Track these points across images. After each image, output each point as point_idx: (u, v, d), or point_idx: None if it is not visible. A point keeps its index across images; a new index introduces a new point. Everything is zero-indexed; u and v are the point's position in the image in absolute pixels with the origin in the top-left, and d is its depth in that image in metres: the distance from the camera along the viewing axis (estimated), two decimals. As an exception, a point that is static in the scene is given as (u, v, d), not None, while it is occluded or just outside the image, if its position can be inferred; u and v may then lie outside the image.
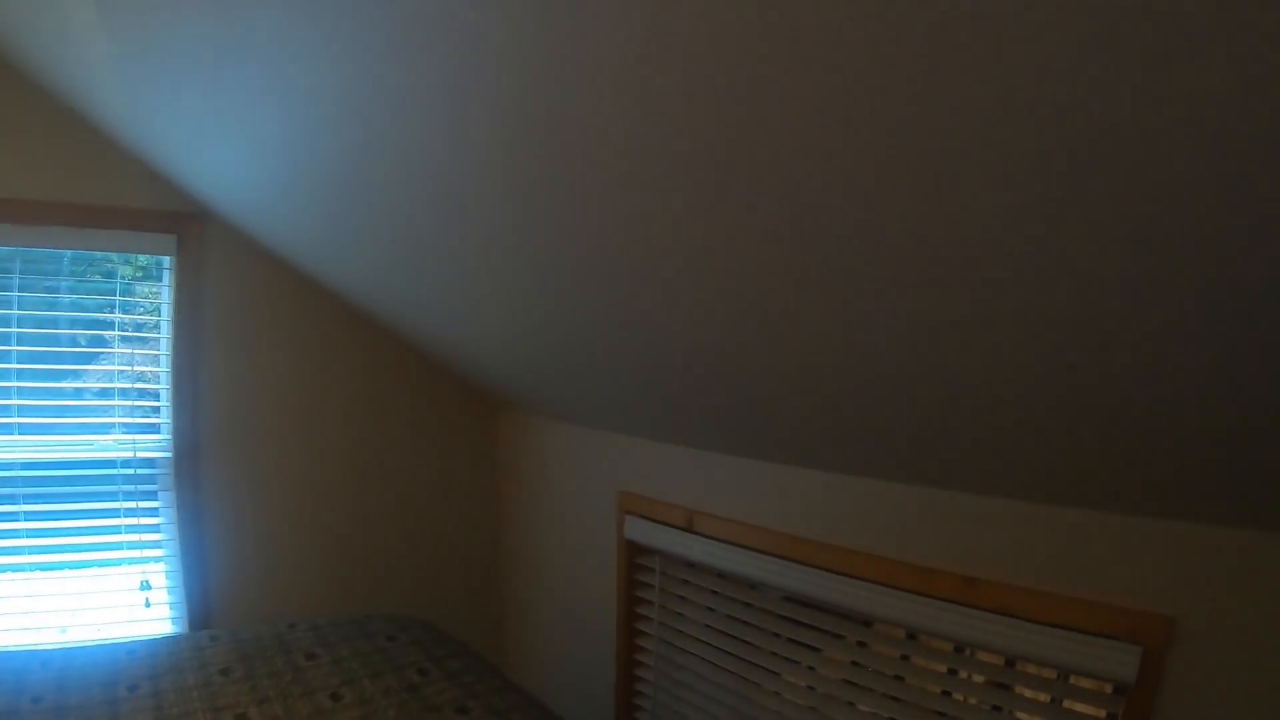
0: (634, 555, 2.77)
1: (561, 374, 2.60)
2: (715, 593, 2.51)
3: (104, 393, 3.33)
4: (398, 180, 1.85)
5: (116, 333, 3.28)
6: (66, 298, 3.27)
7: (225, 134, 2.23)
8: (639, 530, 2.70)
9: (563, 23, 1.06)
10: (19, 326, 3.12)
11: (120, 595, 3.32)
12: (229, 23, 1.58)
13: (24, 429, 3.19)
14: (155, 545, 3.35)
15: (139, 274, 3.31)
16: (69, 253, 3.14)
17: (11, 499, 3.16)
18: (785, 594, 2.28)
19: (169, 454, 3.30)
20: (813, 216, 1.20)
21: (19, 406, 3.17)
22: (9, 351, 3.11)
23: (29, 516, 3.20)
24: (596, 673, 2.98)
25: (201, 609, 3.36)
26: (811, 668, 2.25)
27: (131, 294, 3.30)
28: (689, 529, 2.49)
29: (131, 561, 3.34)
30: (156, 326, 3.29)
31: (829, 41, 0.89)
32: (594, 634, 3.00)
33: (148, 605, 3.33)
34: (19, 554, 3.21)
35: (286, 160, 2.15)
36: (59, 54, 2.42)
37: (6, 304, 3.10)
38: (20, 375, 3.15)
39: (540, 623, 3.48)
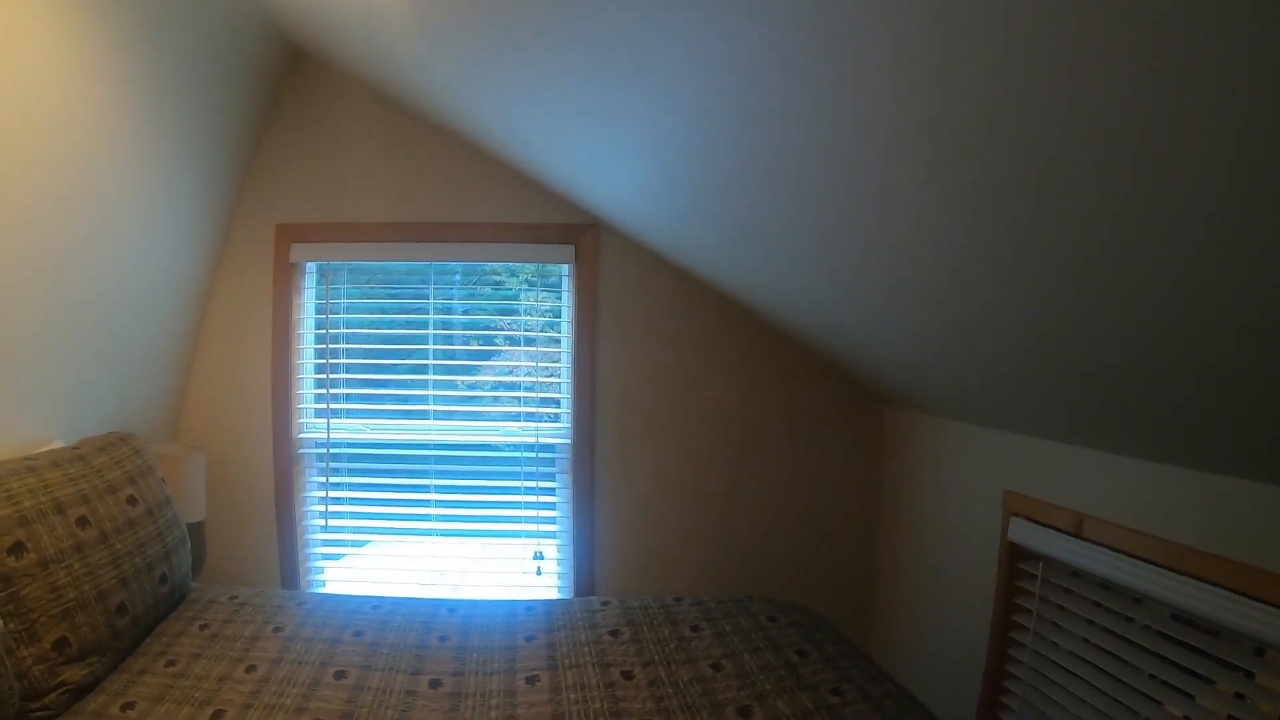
0: (1016, 559, 2.45)
1: (951, 372, 2.37)
2: (1099, 605, 2.13)
3: (511, 385, 3.58)
4: (794, 183, 1.79)
5: (522, 332, 3.54)
6: (470, 303, 3.61)
7: (621, 153, 2.33)
8: (1024, 533, 2.37)
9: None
10: (434, 329, 3.49)
11: (515, 562, 3.52)
12: (628, 54, 1.65)
13: (438, 415, 3.51)
14: (550, 521, 3.52)
15: (524, 284, 3.58)
16: (461, 265, 3.50)
17: (424, 474, 3.50)
18: (1174, 611, 1.86)
19: (568, 440, 3.48)
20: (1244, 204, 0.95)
21: (434, 396, 3.51)
22: (426, 350, 3.49)
23: (439, 490, 3.51)
24: (963, 676, 2.68)
25: (587, 580, 3.46)
26: (1191, 696, 1.82)
27: (525, 299, 3.57)
28: (1077, 534, 2.14)
29: (528, 534, 3.52)
30: (554, 327, 3.51)
31: None
32: (965, 637, 2.70)
33: (539, 573, 3.49)
34: (430, 520, 3.54)
35: (679, 172, 2.20)
36: (485, 112, 2.73)
37: (423, 310, 3.49)
38: (435, 370, 3.50)
39: (910, 619, 3.21)
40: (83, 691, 1.91)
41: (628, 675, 2.22)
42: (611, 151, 2.38)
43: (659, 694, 2.12)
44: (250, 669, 2.12)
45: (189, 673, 2.07)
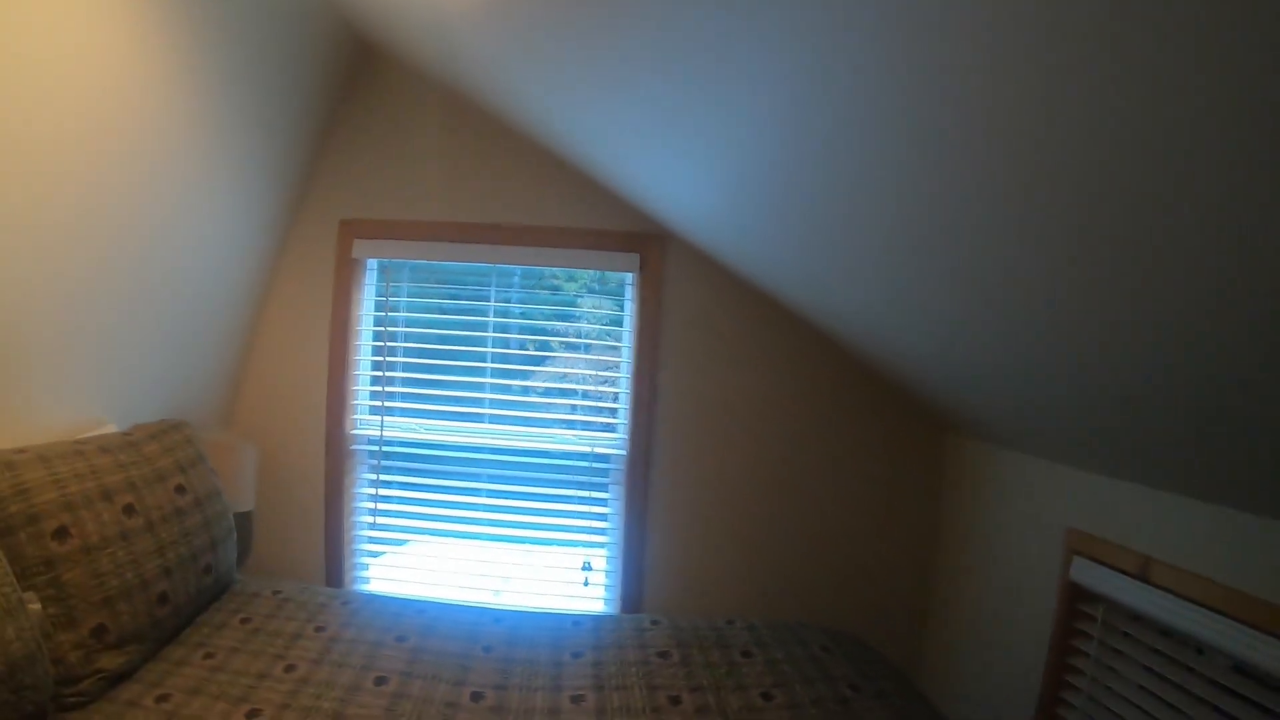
0: (1075, 599, 2.35)
1: (1017, 403, 2.29)
2: (1157, 651, 2.02)
3: (568, 392, 3.51)
4: (860, 204, 1.77)
5: (582, 340, 3.48)
6: (529, 306, 3.55)
7: (695, 164, 2.28)
8: (1086, 573, 2.28)
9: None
10: (493, 331, 3.44)
11: (563, 571, 3.46)
12: (703, 81, 1.64)
13: (492, 419, 3.45)
14: (600, 532, 3.45)
15: (584, 290, 3.52)
16: (520, 269, 3.45)
17: (476, 477, 3.45)
18: (1235, 663, 1.77)
19: (623, 452, 3.40)
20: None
21: (490, 400, 3.45)
22: (484, 353, 3.43)
23: (491, 494, 3.45)
24: (1014, 716, 2.58)
25: (634, 594, 3.38)
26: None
27: (585, 306, 3.51)
28: (1143, 578, 2.04)
29: (577, 544, 3.46)
30: (615, 335, 3.45)
31: None
32: (1018, 677, 2.60)
33: (586, 584, 3.43)
34: (479, 524, 3.49)
35: (744, 186, 2.18)
36: (554, 116, 2.71)
37: (483, 311, 3.43)
38: (494, 374, 3.45)
39: (962, 653, 3.11)
40: (118, 679, 1.86)
41: (675, 700, 2.13)
42: (685, 162, 2.32)
43: (706, 722, 2.03)
44: (290, 668, 2.06)
45: (227, 667, 2.02)
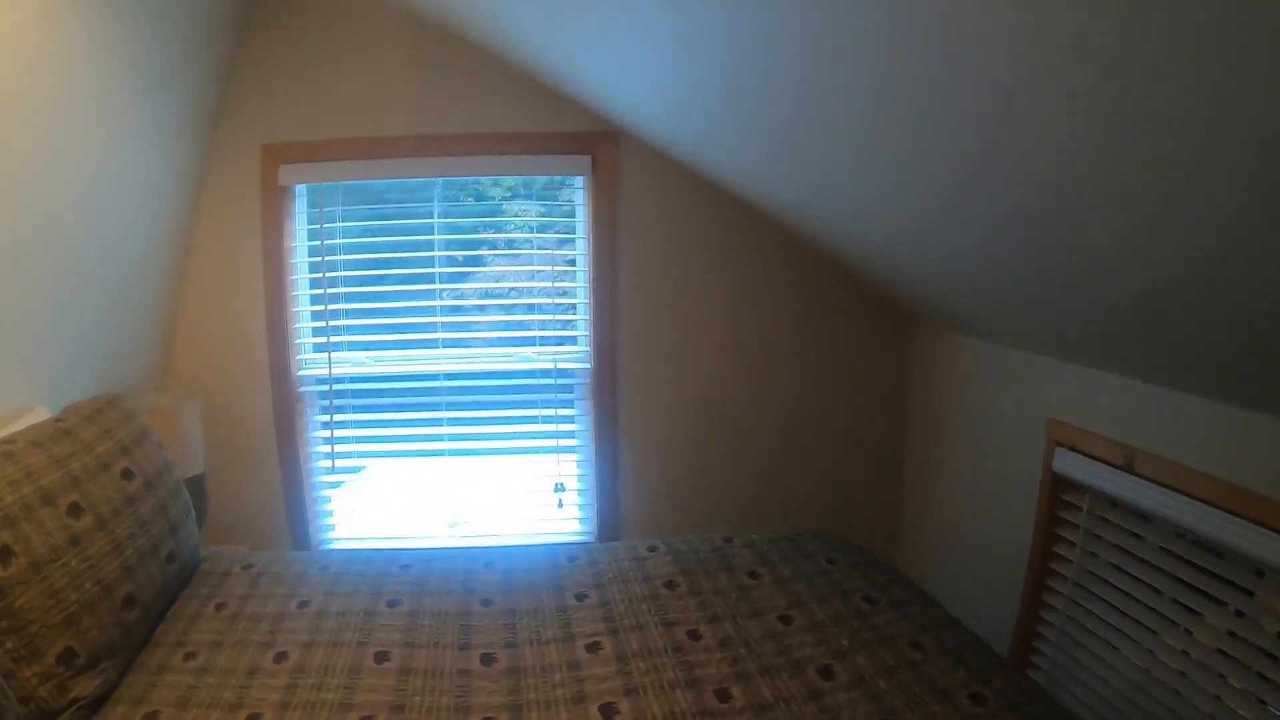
0: (1059, 490, 2.39)
1: (997, 293, 2.22)
2: (1135, 535, 2.13)
3: (525, 308, 3.34)
4: (818, 92, 1.67)
5: (536, 250, 3.29)
6: (477, 220, 3.33)
7: (649, 49, 2.11)
8: (1070, 464, 2.30)
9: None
10: (439, 250, 3.21)
11: (536, 494, 3.35)
12: None
13: (447, 343, 3.25)
14: (570, 450, 3.33)
15: (534, 198, 3.30)
16: (463, 180, 3.21)
17: (436, 406, 3.26)
18: (1215, 546, 1.86)
19: (587, 365, 3.26)
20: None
21: (443, 324, 3.25)
22: (433, 274, 3.20)
23: (453, 423, 3.28)
24: (997, 607, 2.63)
25: (610, 511, 3.31)
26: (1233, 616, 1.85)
27: (538, 215, 3.30)
28: (1128, 469, 2.06)
29: (548, 465, 3.34)
30: (569, 244, 3.25)
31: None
32: (1000, 566, 2.65)
33: (560, 505, 3.33)
34: (441, 456, 3.33)
35: (699, 79, 2.09)
36: (490, 12, 2.49)
37: (427, 230, 3.19)
38: (444, 295, 3.24)
39: (940, 545, 3.16)
40: (98, 703, 1.67)
41: (694, 635, 2.04)
42: (638, 48, 2.14)
43: (732, 655, 1.95)
44: (280, 656, 1.89)
45: (212, 667, 1.84)
